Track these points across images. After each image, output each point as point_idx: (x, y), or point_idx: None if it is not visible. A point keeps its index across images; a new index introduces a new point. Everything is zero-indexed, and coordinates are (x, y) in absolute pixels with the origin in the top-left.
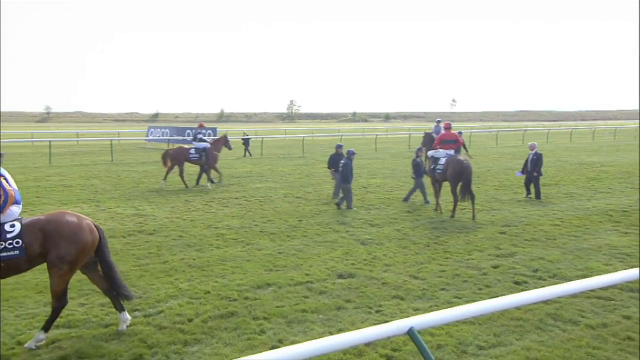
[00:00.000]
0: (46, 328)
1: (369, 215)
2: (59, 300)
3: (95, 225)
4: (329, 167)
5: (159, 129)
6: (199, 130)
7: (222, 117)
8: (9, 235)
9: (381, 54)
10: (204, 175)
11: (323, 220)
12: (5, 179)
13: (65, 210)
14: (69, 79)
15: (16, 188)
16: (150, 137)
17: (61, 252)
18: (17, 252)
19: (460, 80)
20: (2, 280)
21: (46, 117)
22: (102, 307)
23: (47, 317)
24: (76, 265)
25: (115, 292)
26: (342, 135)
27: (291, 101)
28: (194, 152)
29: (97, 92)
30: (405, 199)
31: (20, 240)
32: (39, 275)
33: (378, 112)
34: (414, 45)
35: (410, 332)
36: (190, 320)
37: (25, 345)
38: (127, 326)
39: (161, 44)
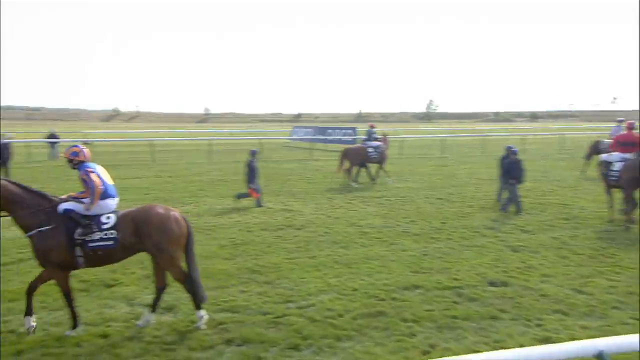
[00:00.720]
0: (197, 306)
1: (520, 220)
2: (185, 281)
3: (183, 218)
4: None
5: (302, 129)
6: (372, 130)
7: (359, 117)
8: (104, 227)
9: (528, 51)
10: (362, 171)
11: (469, 223)
12: (98, 174)
13: (156, 203)
14: (225, 82)
15: (110, 183)
16: (295, 137)
17: (154, 241)
18: (111, 242)
19: (622, 75)
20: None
21: (205, 118)
22: (259, 295)
23: (213, 301)
24: (175, 253)
25: (191, 289)
26: (485, 136)
27: (430, 101)
28: (373, 150)
29: (247, 94)
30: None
31: (114, 232)
32: (205, 261)
33: (523, 111)
34: (566, 41)
35: (600, 357)
36: (340, 316)
37: (196, 325)
38: (146, 325)
39: (302, 45)
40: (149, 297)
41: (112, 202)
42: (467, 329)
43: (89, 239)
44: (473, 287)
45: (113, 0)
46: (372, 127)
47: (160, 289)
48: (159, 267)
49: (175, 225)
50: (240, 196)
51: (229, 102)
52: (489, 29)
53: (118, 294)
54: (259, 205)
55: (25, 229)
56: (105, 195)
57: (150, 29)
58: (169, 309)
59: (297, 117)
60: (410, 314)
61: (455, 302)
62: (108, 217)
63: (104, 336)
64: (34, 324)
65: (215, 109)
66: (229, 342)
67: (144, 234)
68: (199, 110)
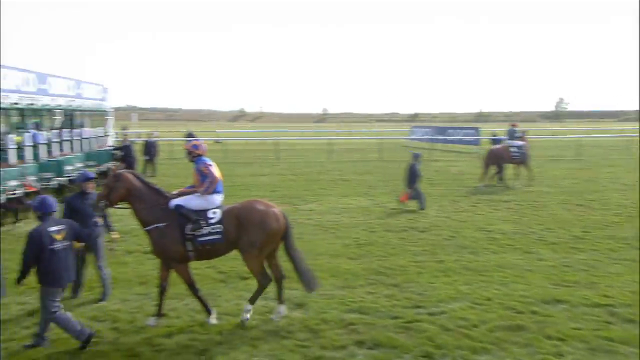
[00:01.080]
0: (252, 301)
1: None
2: (262, 277)
3: (282, 214)
4: None
5: (421, 129)
6: (514, 130)
7: (480, 117)
8: (212, 221)
9: None
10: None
11: (616, 233)
12: (214, 168)
13: (257, 199)
14: (341, 82)
15: (220, 179)
16: (414, 137)
17: (251, 238)
18: (218, 236)
19: None
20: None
21: (323, 118)
22: (387, 298)
23: (342, 300)
24: (264, 249)
25: (299, 278)
26: (629, 136)
27: (560, 98)
28: (516, 150)
29: (363, 94)
30: None
31: (221, 226)
32: (331, 259)
33: None
34: None
35: None
36: (475, 327)
37: (242, 318)
38: (279, 318)
39: (418, 43)
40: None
41: (219, 198)
42: (627, 355)
43: (199, 233)
44: (629, 306)
45: (239, 8)
46: (514, 126)
47: (279, 280)
48: (273, 260)
49: (274, 222)
50: (422, 206)
51: (345, 102)
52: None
53: (252, 286)
54: (401, 202)
55: (143, 223)
56: (214, 189)
57: (270, 31)
58: (300, 305)
59: (413, 117)
60: (555, 331)
61: (608, 322)
62: (214, 212)
63: (242, 327)
64: (153, 323)
65: (332, 109)
66: (359, 343)
67: (243, 230)
68: (317, 110)
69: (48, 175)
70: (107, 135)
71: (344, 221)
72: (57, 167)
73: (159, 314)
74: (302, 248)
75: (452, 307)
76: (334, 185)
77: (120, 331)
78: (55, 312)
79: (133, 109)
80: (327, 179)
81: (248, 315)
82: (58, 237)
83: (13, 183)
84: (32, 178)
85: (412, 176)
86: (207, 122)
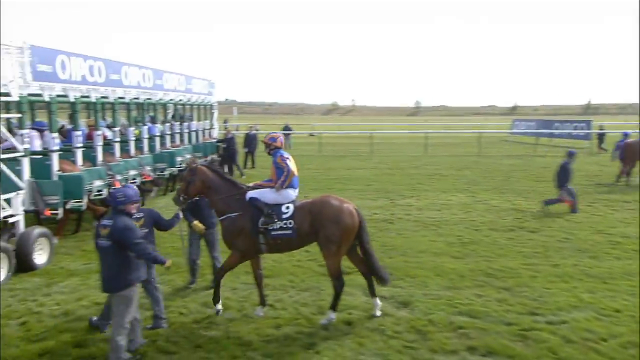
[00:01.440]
0: (333, 307)
1: None
2: (337, 279)
3: (356, 210)
4: None
5: (524, 122)
6: None
7: (588, 109)
8: (284, 216)
9: None
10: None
11: None
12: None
13: (331, 195)
14: (434, 75)
15: (296, 174)
16: (516, 130)
17: (327, 233)
18: (290, 232)
19: None
20: (400, 257)
21: (415, 111)
22: (499, 302)
23: (449, 302)
24: (342, 246)
25: (373, 274)
26: None
27: None
28: None
29: (457, 86)
30: None
31: (292, 221)
32: (434, 258)
33: None
34: None
35: None
36: (603, 341)
37: (321, 321)
38: (379, 312)
39: (517, 35)
40: (383, 290)
41: (293, 193)
42: None
43: (271, 227)
44: None
45: (332, 6)
46: None
47: (366, 274)
48: (356, 257)
49: (349, 218)
50: (548, 202)
51: (439, 94)
52: None
53: (354, 282)
54: (574, 211)
55: (218, 213)
56: (289, 184)
57: (362, 27)
58: (405, 304)
59: (512, 110)
60: None
61: None
62: (287, 207)
63: (347, 323)
64: (261, 313)
65: (425, 102)
66: (471, 349)
67: (318, 225)
68: (409, 103)
69: (162, 165)
70: (212, 128)
71: (445, 218)
72: (170, 158)
73: (263, 303)
74: (403, 244)
75: (574, 317)
76: (430, 180)
77: (230, 319)
78: None
79: (233, 103)
80: (424, 174)
81: (326, 321)
82: (137, 224)
83: (133, 172)
84: (148, 168)
85: (565, 175)
86: (302, 115)
